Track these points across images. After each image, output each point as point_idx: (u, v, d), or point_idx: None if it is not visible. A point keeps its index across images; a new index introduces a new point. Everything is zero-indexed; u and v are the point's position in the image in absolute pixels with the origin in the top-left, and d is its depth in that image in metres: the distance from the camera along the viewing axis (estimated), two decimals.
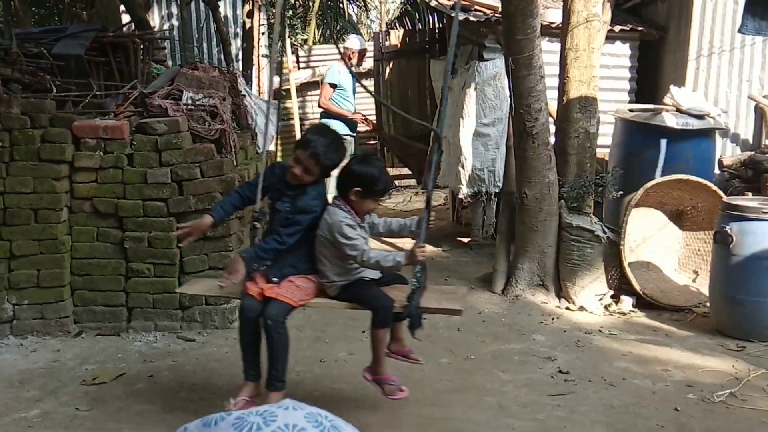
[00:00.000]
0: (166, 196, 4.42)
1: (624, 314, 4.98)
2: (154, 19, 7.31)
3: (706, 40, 6.75)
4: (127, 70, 5.45)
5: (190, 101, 4.58)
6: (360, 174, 3.16)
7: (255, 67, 7.21)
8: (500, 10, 5.41)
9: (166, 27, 7.22)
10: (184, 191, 4.42)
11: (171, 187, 4.41)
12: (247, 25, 7.28)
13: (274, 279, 3.17)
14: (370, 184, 3.14)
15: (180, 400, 3.58)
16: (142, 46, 5.64)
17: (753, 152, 6.41)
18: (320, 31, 14.48)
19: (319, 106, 7.41)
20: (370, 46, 10.23)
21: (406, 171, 9.41)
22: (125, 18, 6.60)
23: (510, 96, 5.31)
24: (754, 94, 6.83)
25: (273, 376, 3.12)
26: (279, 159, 9.00)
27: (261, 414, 0.79)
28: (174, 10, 7.32)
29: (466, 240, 7.04)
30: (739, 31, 5.18)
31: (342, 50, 7.30)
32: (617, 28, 6.94)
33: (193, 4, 7.58)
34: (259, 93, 7.66)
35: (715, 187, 5.24)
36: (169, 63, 6.29)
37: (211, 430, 0.80)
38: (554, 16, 6.56)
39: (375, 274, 3.27)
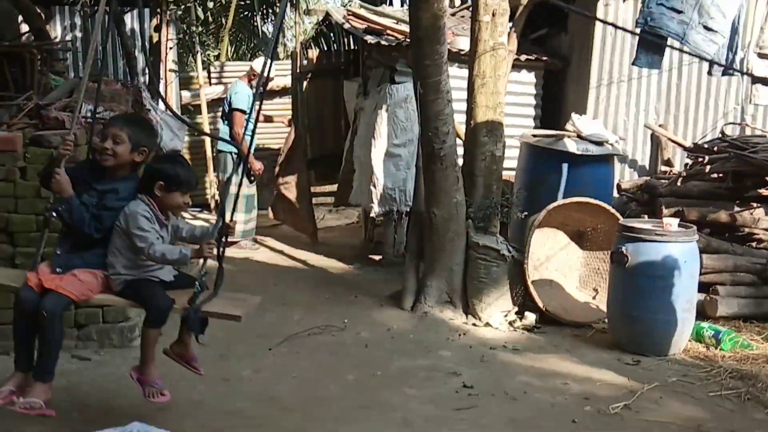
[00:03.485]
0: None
1: (528, 330, 5.10)
2: (56, 29, 7.05)
3: (606, 71, 7.09)
4: (24, 81, 5.22)
5: (89, 114, 4.41)
6: (160, 168, 3.23)
7: (163, 82, 7.05)
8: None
9: (68, 38, 6.98)
10: None
11: None
12: (155, 39, 7.10)
13: (58, 269, 3.12)
14: (173, 177, 3.19)
15: (72, 421, 3.39)
16: (39, 57, 5.41)
17: (649, 177, 6.77)
18: (233, 47, 14.32)
19: (238, 138, 6.70)
20: (287, 63, 10.16)
21: (325, 189, 9.35)
22: (24, 28, 6.33)
23: (418, 118, 5.41)
24: (650, 123, 7.23)
25: (42, 367, 3.06)
26: None
27: None
28: (77, 21, 7.07)
29: (377, 258, 7.06)
30: (633, 63, 5.48)
31: (251, 70, 7.10)
32: (523, 57, 7.22)
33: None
34: (166, 108, 7.49)
35: (613, 210, 5.48)
36: (71, 75, 6.07)
37: None
38: (463, 43, 6.74)
39: (167, 276, 3.28)
